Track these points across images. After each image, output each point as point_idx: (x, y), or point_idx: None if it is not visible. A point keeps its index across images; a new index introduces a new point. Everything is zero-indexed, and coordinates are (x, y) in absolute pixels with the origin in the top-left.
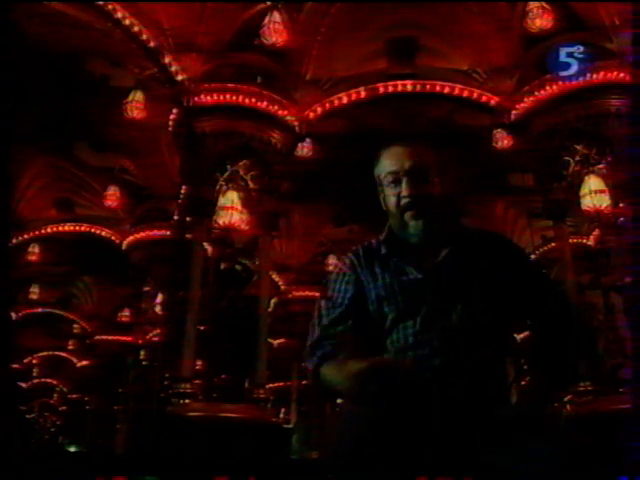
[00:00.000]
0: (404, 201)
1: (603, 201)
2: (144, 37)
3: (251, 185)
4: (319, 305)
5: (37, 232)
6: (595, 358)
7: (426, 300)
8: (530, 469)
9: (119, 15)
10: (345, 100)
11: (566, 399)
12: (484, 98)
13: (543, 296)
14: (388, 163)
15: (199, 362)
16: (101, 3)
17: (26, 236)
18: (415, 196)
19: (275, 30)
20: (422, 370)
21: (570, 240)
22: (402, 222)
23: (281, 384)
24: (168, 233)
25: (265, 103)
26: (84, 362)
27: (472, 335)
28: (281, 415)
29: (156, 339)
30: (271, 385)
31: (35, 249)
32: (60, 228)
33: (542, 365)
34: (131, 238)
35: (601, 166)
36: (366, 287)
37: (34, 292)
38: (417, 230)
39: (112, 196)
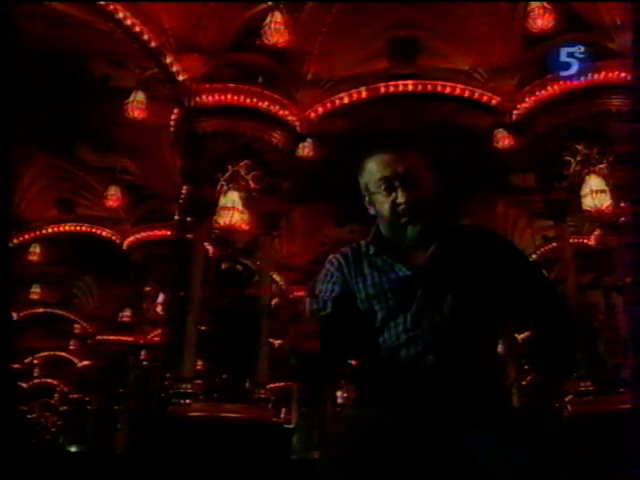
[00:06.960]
0: (401, 207)
1: (604, 201)
2: (145, 37)
3: (252, 185)
4: (303, 304)
5: (38, 232)
6: (595, 358)
7: (416, 296)
8: (530, 469)
9: (120, 15)
10: (346, 100)
11: (566, 399)
12: (485, 98)
13: (533, 285)
14: (379, 170)
15: (200, 362)
16: (102, 3)
17: (27, 236)
18: (412, 202)
19: (276, 30)
20: (416, 368)
21: (571, 240)
22: (398, 226)
23: (282, 384)
24: (169, 233)
25: (266, 103)
26: (85, 362)
27: (464, 328)
28: (282, 415)
29: (157, 339)
30: (272, 385)
31: (36, 249)
32: (61, 228)
33: (540, 356)
34: (132, 238)
35: (602, 166)
36: (355, 287)
37: (35, 292)
38: (414, 234)
39: (113, 196)
